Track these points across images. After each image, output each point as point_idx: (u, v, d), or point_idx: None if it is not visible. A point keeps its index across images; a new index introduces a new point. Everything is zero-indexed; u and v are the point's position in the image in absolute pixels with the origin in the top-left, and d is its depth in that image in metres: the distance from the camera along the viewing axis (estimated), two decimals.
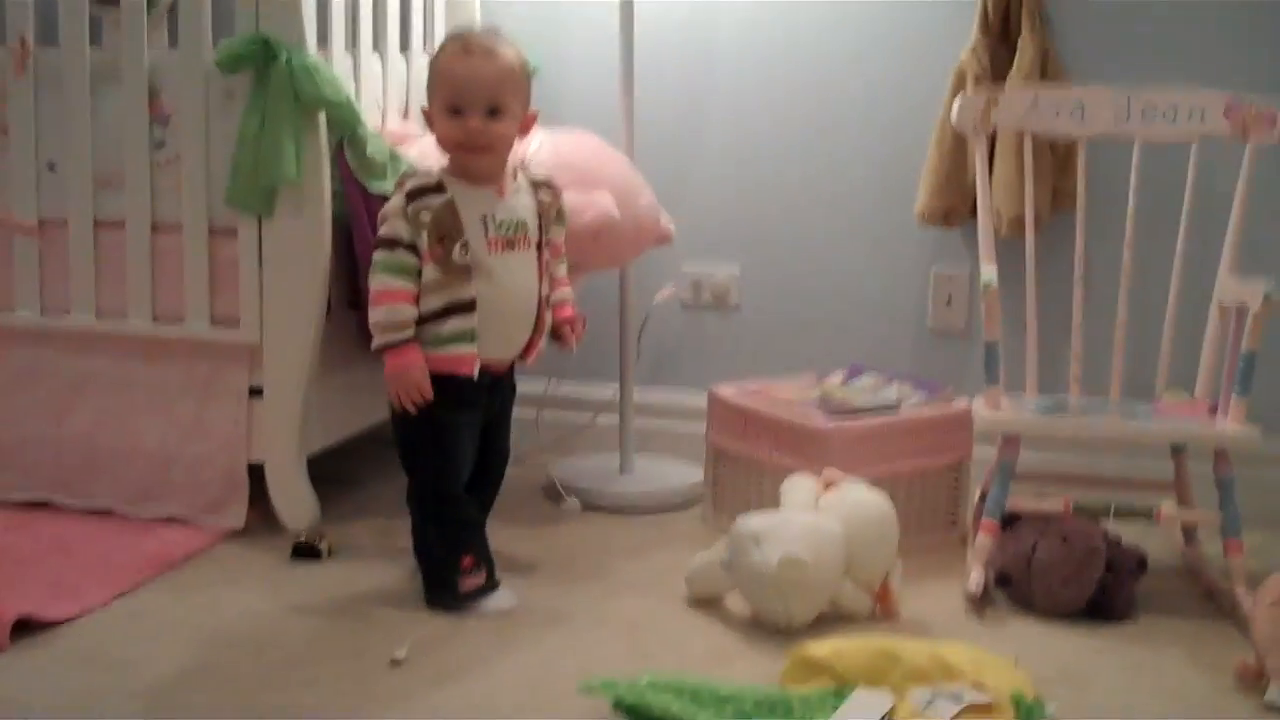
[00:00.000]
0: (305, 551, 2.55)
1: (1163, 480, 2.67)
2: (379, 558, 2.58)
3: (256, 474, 2.67)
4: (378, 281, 2.29)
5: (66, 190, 2.71)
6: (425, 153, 2.70)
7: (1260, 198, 2.68)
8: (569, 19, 3.24)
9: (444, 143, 2.33)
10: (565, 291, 2.46)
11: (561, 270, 2.46)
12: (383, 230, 2.30)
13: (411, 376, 2.28)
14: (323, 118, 2.55)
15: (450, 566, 2.35)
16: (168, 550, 2.54)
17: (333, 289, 2.65)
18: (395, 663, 2.14)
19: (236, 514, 2.66)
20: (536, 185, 2.41)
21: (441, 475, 2.37)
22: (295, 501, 2.65)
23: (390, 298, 2.28)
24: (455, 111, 2.29)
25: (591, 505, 2.91)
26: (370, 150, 2.60)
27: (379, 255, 2.29)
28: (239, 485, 2.66)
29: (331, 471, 2.87)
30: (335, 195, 2.60)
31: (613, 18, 2.96)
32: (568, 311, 2.46)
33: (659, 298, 3.19)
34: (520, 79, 2.35)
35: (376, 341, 2.29)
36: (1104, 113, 2.64)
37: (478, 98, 2.29)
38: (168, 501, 2.69)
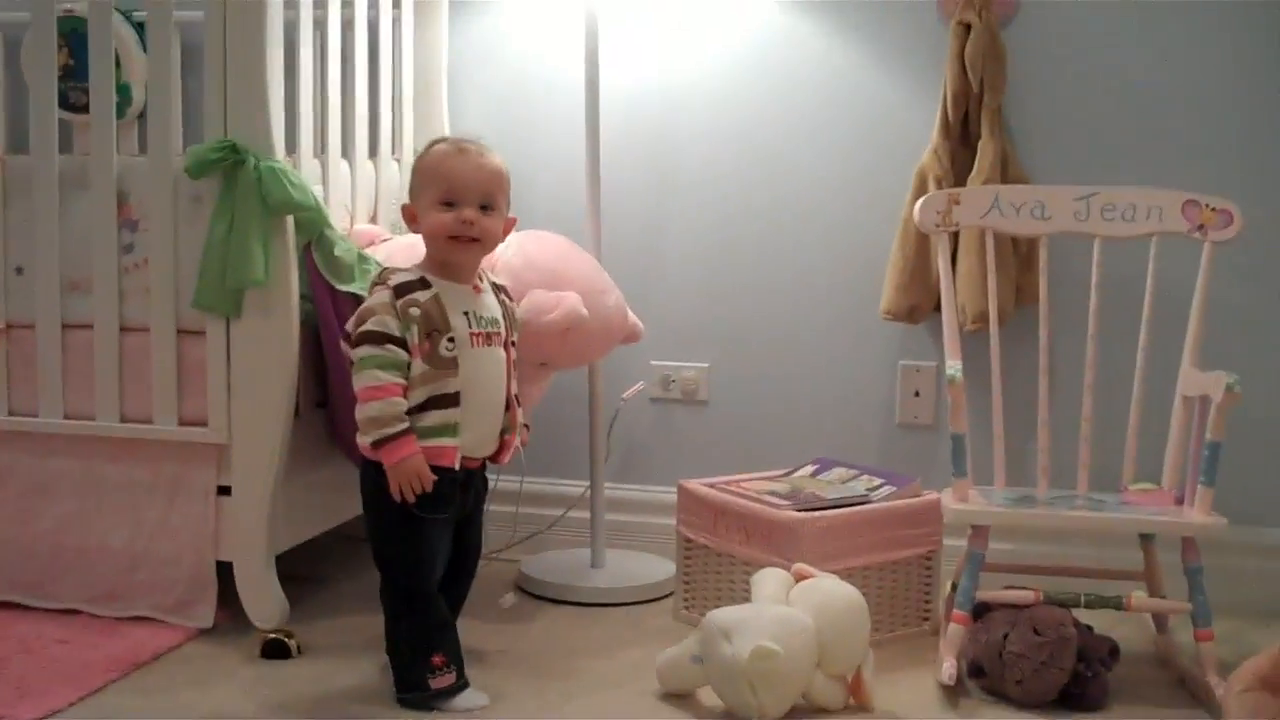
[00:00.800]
0: (275, 650, 2.53)
1: (1133, 570, 2.68)
2: (349, 655, 2.55)
3: (225, 572, 2.65)
4: (370, 377, 2.28)
5: (34, 293, 2.71)
6: (392, 254, 2.73)
7: (1219, 292, 2.72)
8: (535, 121, 3.28)
9: (434, 234, 2.35)
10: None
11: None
12: (369, 325, 2.30)
13: (413, 466, 2.28)
14: (290, 221, 2.57)
15: (421, 664, 2.33)
16: (135, 650, 2.51)
17: (301, 389, 2.66)
18: None
19: (204, 613, 2.64)
20: (497, 288, 2.46)
21: (415, 572, 2.36)
22: (264, 600, 2.63)
23: (384, 392, 2.28)
24: (448, 204, 2.33)
25: (562, 600, 2.90)
26: (338, 251, 2.62)
27: (367, 351, 2.29)
28: (207, 584, 2.64)
29: (300, 569, 2.85)
30: (303, 297, 2.62)
31: (579, 120, 3.01)
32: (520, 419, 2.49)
33: (628, 394, 3.20)
34: (506, 182, 2.41)
35: (373, 436, 2.28)
36: (1064, 212, 2.68)
37: (473, 191, 2.34)
38: (134, 601, 2.67)
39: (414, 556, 2.35)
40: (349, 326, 2.34)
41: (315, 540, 2.85)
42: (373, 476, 2.33)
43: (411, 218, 2.40)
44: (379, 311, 2.30)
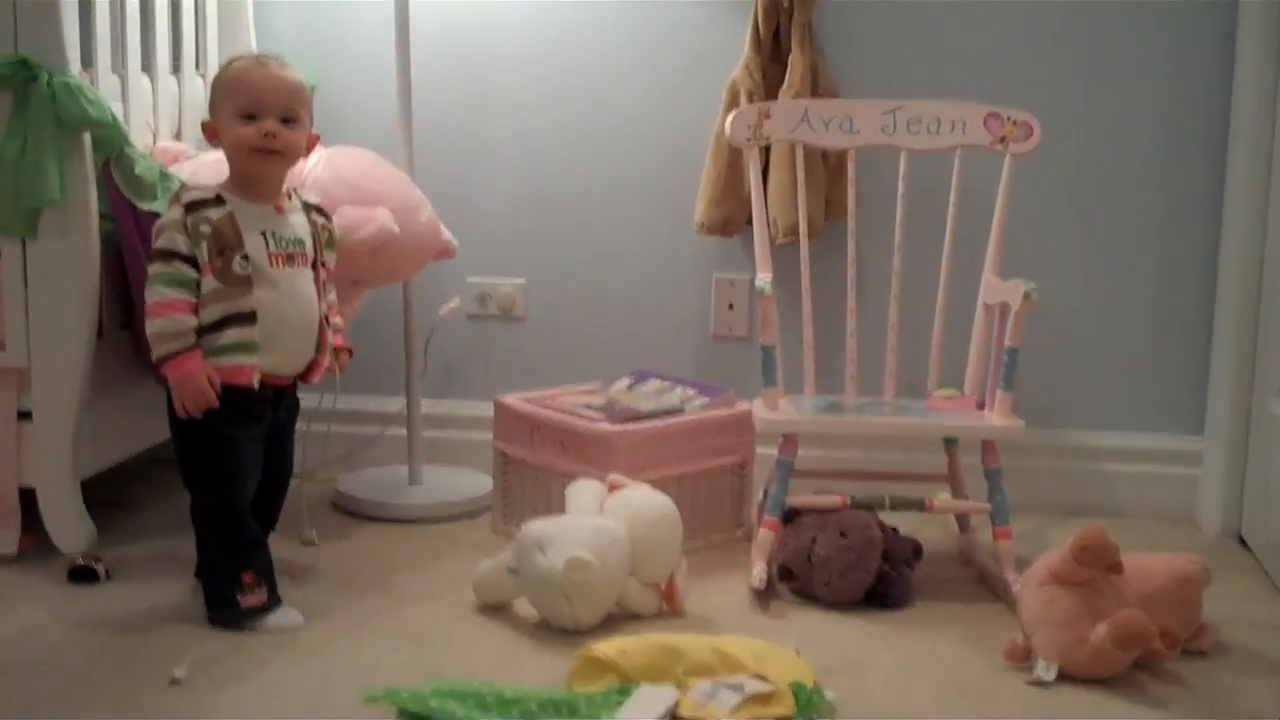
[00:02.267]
0: (82, 575, 2.49)
1: (937, 473, 2.77)
2: (158, 578, 2.52)
3: (29, 498, 2.58)
4: (155, 294, 2.25)
5: None
6: (198, 171, 2.66)
7: (1020, 202, 2.80)
8: (346, 37, 3.22)
9: (236, 148, 2.31)
10: (335, 321, 2.47)
11: (331, 297, 2.46)
12: (159, 243, 2.27)
13: (196, 384, 2.25)
14: (88, 138, 2.49)
15: (232, 583, 2.31)
16: None
17: (104, 310, 2.59)
18: (175, 682, 2.09)
19: (8, 540, 2.58)
20: (309, 208, 2.43)
21: (225, 490, 2.34)
22: (69, 525, 2.57)
23: (169, 308, 2.25)
24: (249, 118, 2.29)
25: (381, 517, 2.89)
26: (139, 169, 2.55)
27: (155, 268, 2.26)
28: (9, 511, 2.58)
29: (108, 494, 2.80)
30: (104, 216, 2.55)
31: (389, 34, 2.96)
32: (337, 341, 2.47)
33: (445, 310, 3.19)
34: (308, 96, 2.38)
35: (157, 352, 2.26)
36: (871, 125, 2.73)
37: (273, 104, 2.31)
38: None
39: (223, 474, 2.33)
40: None
41: (123, 464, 2.79)
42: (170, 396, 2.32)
43: (212, 133, 2.36)
44: (168, 229, 2.27)
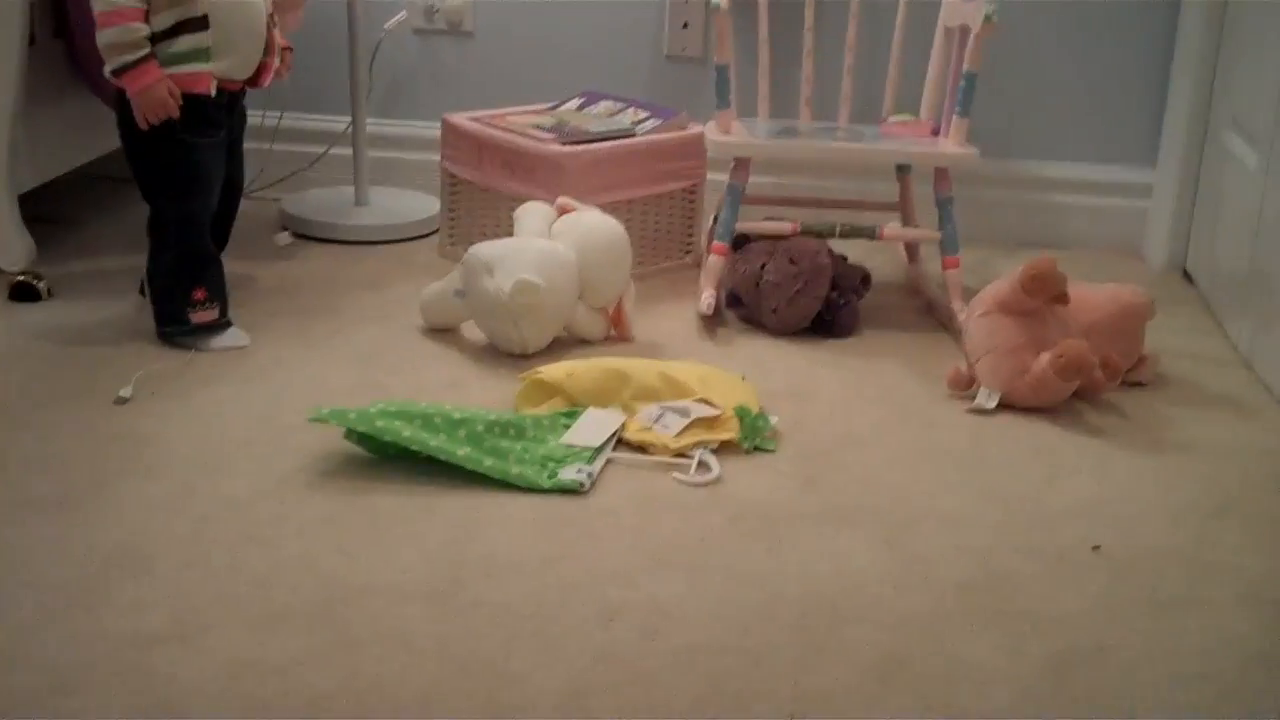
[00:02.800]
0: (23, 293, 2.45)
1: (889, 202, 2.75)
2: (101, 296, 2.49)
3: None
4: (104, 3, 2.17)
5: None
6: None
7: None
8: None
9: None
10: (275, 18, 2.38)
11: None
12: None
13: (157, 93, 2.19)
14: None
15: (182, 298, 2.30)
16: None
17: (35, 17, 2.49)
18: (121, 400, 2.09)
19: None
20: None
21: (188, 200, 2.30)
22: (7, 241, 2.51)
23: (120, 17, 2.17)
24: None
25: (326, 239, 2.86)
26: None
27: None
28: None
29: (48, 210, 2.74)
30: None
31: None
32: (280, 41, 2.38)
33: (390, 24, 3.08)
34: None
35: (113, 64, 2.19)
36: None
37: None
38: None
39: (185, 181, 2.29)
40: None
41: (63, 180, 2.72)
42: (123, 109, 2.25)
43: None
44: None
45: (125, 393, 2.10)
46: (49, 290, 2.47)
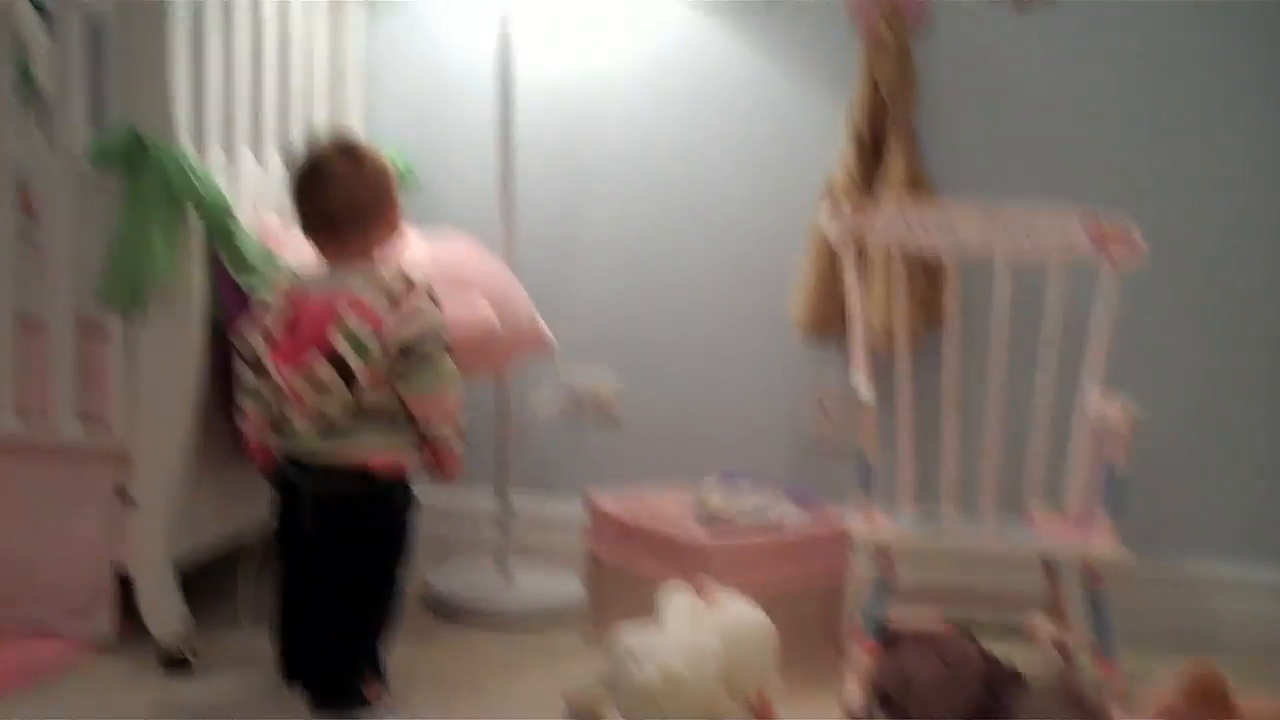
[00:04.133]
0: (175, 661, 2.48)
1: (1039, 595, 2.70)
2: (249, 667, 2.51)
3: (126, 582, 2.57)
4: (457, 393, 2.32)
5: None
6: (300, 249, 2.67)
7: (1122, 313, 2.74)
8: (449, 126, 3.23)
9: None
10: None
11: None
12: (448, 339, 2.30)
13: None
14: (195, 217, 2.50)
15: (363, 672, 2.31)
16: (32, 659, 2.45)
17: (207, 390, 2.59)
18: None
19: (103, 621, 2.57)
20: None
21: (405, 574, 2.39)
22: (164, 609, 2.56)
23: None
24: None
25: (469, 619, 2.86)
26: (243, 245, 2.55)
27: (453, 364, 2.29)
28: (105, 593, 2.57)
29: (201, 578, 2.78)
30: (210, 293, 2.56)
31: (492, 127, 2.98)
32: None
33: (537, 406, 3.17)
34: None
35: (457, 449, 2.35)
36: (971, 229, 2.69)
37: None
38: (31, 608, 2.60)
39: (409, 557, 2.40)
40: (407, 332, 2.26)
41: (217, 548, 2.78)
42: (403, 491, 2.35)
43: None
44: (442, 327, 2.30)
45: None
46: (197, 656, 2.49)
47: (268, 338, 2.29)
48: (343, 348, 2.21)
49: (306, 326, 2.25)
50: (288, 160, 2.41)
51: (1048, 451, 2.70)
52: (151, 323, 2.51)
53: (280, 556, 2.39)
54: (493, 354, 2.73)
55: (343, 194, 2.30)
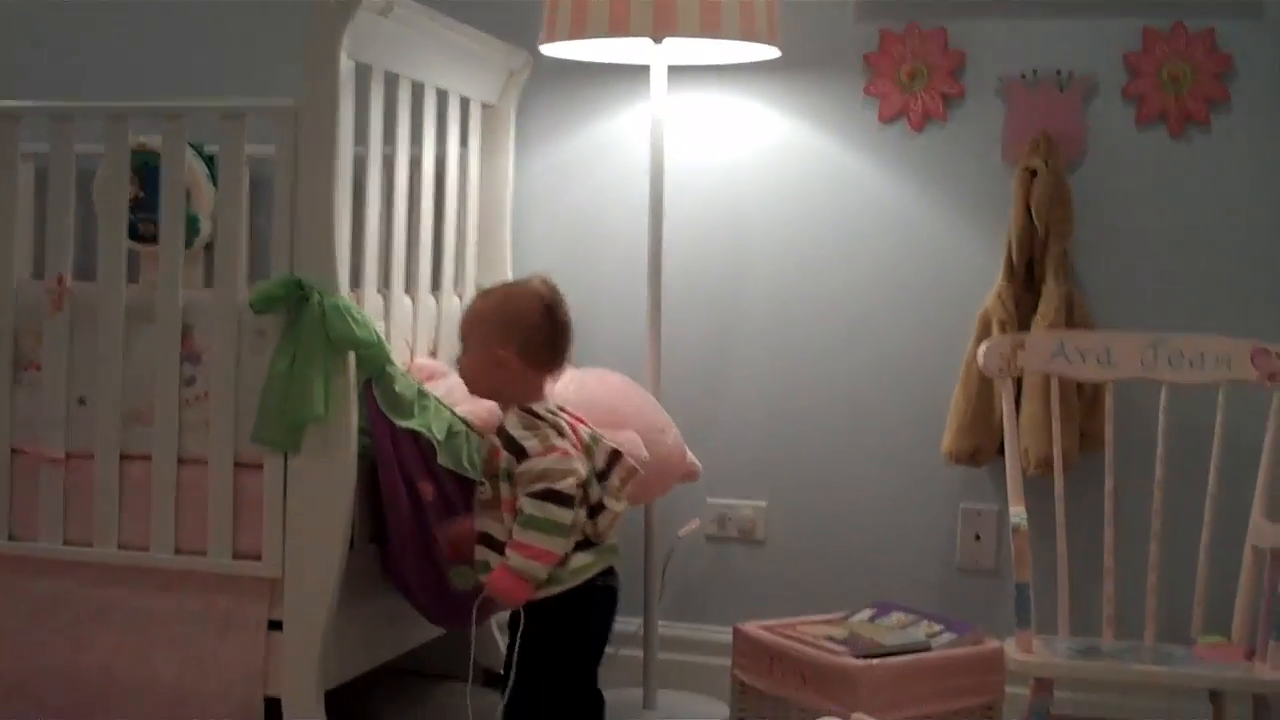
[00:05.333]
0: None
1: None
2: None
3: (275, 708, 2.61)
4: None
5: (95, 424, 2.72)
6: (452, 388, 2.73)
7: None
8: (598, 261, 3.29)
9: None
10: None
11: None
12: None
13: None
14: (351, 356, 2.57)
15: None
16: None
17: (355, 524, 2.65)
18: None
19: None
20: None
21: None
22: None
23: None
24: None
25: None
26: (399, 387, 2.61)
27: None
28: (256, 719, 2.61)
29: (350, 705, 2.81)
30: (361, 431, 2.62)
31: (641, 262, 3.03)
32: None
33: (684, 531, 3.17)
34: (476, 320, 2.53)
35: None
36: (1131, 358, 2.66)
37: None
38: None
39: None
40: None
41: (366, 675, 2.81)
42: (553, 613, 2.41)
43: None
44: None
45: None
46: None
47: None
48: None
49: None
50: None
51: (1211, 580, 2.62)
52: (305, 460, 2.57)
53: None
54: (642, 483, 2.73)
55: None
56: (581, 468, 2.37)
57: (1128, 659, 2.51)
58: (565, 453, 2.36)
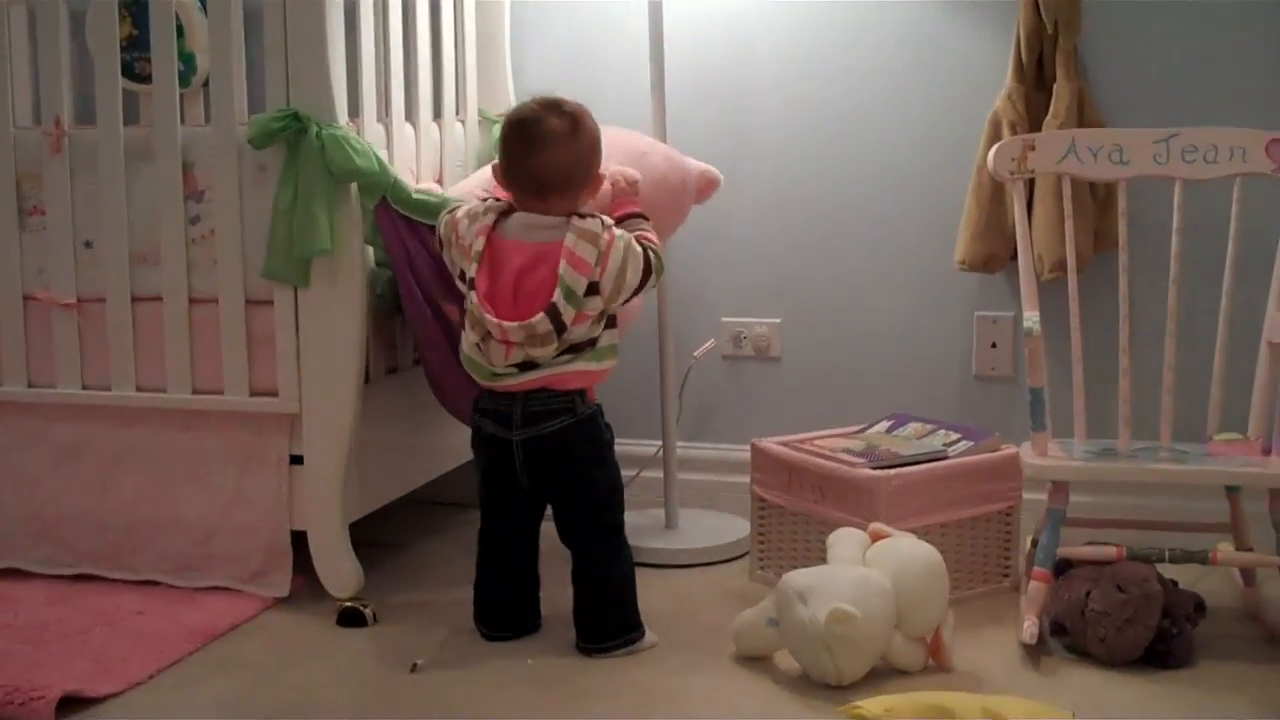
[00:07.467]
0: (351, 619, 2.54)
1: (1218, 522, 2.62)
2: (425, 622, 2.56)
3: (300, 541, 2.65)
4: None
5: (103, 267, 2.72)
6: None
7: None
8: (600, 80, 3.23)
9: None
10: None
11: None
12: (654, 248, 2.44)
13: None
14: (355, 189, 2.55)
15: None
16: (212, 621, 2.53)
17: (370, 357, 2.65)
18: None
19: (280, 582, 2.65)
20: None
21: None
22: (338, 568, 2.63)
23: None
24: None
25: (637, 561, 2.88)
26: (418, 195, 2.59)
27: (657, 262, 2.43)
28: (282, 554, 2.65)
29: (374, 536, 2.85)
30: (379, 263, 2.62)
31: (644, 73, 2.97)
32: None
33: (699, 351, 3.17)
34: None
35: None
36: (1143, 154, 2.60)
37: None
38: (211, 572, 2.68)
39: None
40: (616, 271, 2.37)
41: (388, 506, 2.85)
42: (598, 423, 2.47)
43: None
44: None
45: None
46: (375, 616, 2.55)
47: (464, 277, 2.37)
48: (561, 303, 2.30)
49: (524, 281, 2.34)
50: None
51: (1227, 378, 2.61)
52: (315, 293, 2.57)
53: (488, 511, 2.48)
54: (661, 216, 2.69)
55: (560, 158, 2.38)
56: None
57: (1144, 459, 2.51)
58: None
